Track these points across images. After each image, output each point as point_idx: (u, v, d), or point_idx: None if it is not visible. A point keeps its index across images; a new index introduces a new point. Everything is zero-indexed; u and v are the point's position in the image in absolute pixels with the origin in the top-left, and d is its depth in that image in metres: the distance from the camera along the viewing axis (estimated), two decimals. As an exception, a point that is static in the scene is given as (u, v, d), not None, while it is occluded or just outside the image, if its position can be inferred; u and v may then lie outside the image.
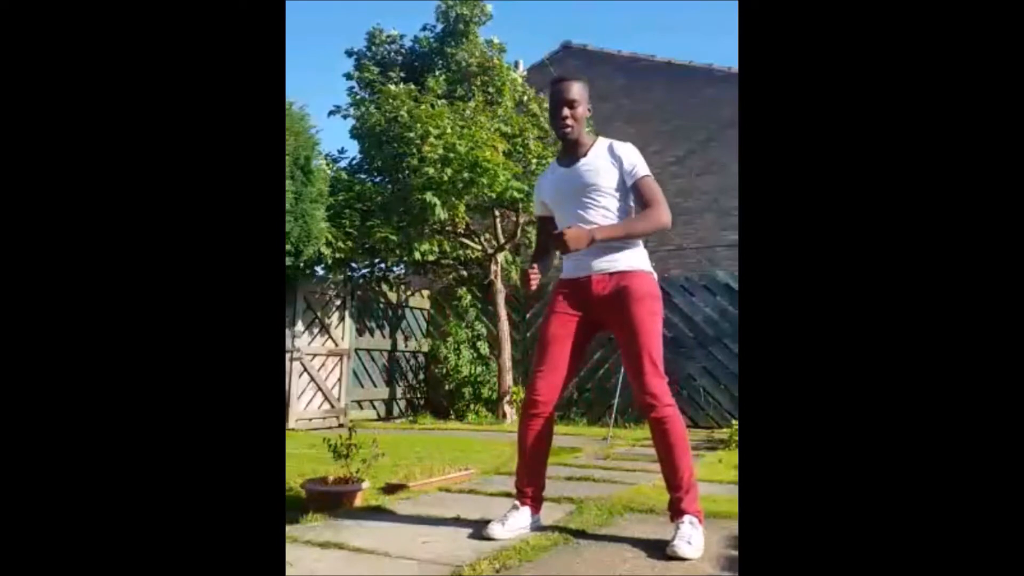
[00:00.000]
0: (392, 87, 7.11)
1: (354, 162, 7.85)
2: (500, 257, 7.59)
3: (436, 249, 7.34)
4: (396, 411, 8.17)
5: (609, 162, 2.33)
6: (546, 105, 7.66)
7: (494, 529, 2.20)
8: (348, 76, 8.19)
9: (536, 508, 2.35)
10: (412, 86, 7.13)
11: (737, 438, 4.72)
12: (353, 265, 7.44)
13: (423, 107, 6.72)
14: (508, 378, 7.31)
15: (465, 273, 8.26)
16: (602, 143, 2.40)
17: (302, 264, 6.20)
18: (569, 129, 2.35)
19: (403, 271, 8.22)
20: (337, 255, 6.67)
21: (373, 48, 8.42)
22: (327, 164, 7.09)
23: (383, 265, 7.83)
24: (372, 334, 7.97)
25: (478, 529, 2.28)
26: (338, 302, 7.29)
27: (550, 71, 8.51)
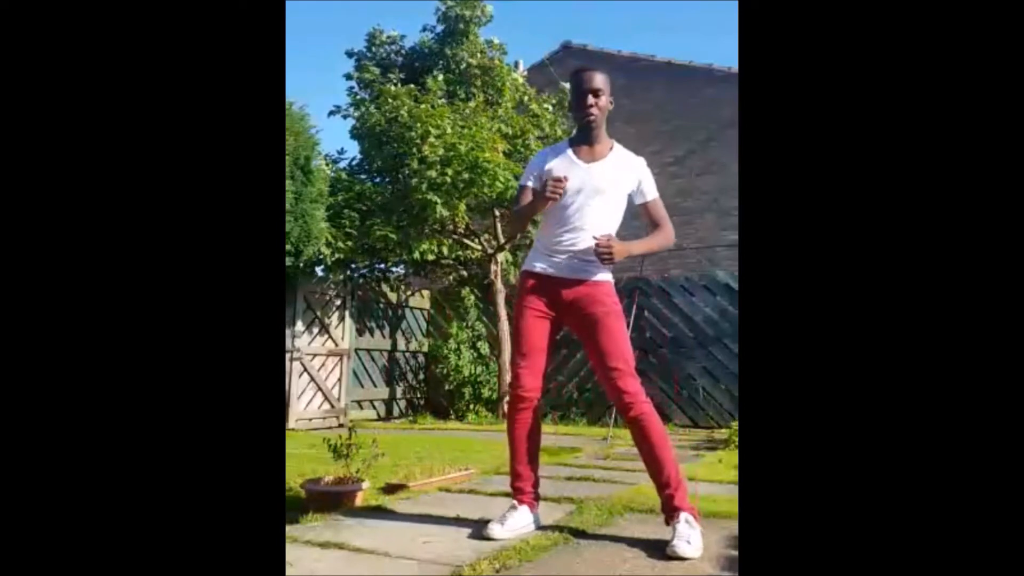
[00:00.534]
0: (392, 87, 7.11)
1: (354, 162, 7.85)
2: (500, 257, 7.58)
3: (436, 249, 7.34)
4: (396, 411, 8.17)
5: (628, 174, 2.37)
6: (546, 105, 7.71)
7: (493, 529, 2.20)
8: (348, 76, 8.20)
9: (534, 505, 2.36)
10: (412, 87, 7.13)
11: (737, 438, 4.72)
12: (353, 265, 7.43)
13: (423, 107, 6.72)
14: (508, 378, 7.30)
15: (465, 273, 8.26)
16: (621, 151, 2.41)
17: (302, 264, 6.20)
18: (594, 117, 2.34)
19: (403, 271, 8.22)
20: (337, 255, 6.67)
21: (373, 49, 8.43)
22: (327, 165, 7.09)
23: (383, 265, 7.83)
24: (372, 334, 7.96)
25: (478, 529, 2.28)
26: (338, 302, 7.29)
27: (550, 71, 8.52)
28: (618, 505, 2.68)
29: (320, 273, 7.05)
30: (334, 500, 2.64)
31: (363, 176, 7.61)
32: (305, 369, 6.70)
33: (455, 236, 7.51)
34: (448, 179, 6.39)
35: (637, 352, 7.74)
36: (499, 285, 7.49)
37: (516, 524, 2.25)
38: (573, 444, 5.27)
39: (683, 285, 7.88)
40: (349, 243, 6.75)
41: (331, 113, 7.88)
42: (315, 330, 6.95)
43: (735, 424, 5.08)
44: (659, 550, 2.04)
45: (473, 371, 7.69)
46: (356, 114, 7.48)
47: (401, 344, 8.33)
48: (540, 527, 2.32)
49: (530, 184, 2.42)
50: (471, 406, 7.62)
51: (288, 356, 6.48)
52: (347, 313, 7.37)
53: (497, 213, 7.50)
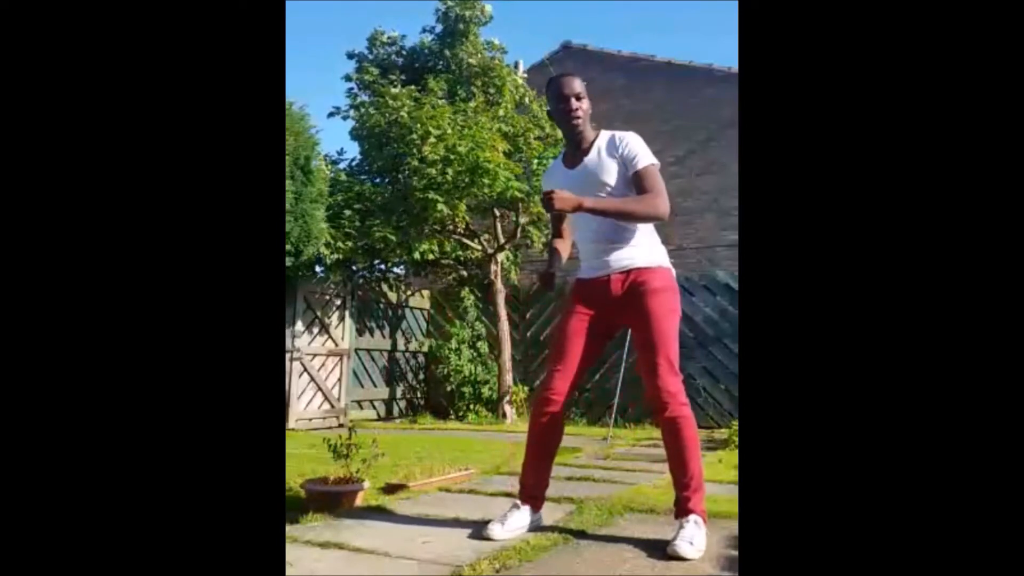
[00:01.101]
0: (392, 88, 7.12)
1: (354, 163, 7.85)
2: (500, 257, 7.59)
3: (436, 249, 7.34)
4: (396, 411, 8.17)
5: (611, 156, 2.29)
6: (547, 105, 7.68)
7: (494, 529, 2.20)
8: (348, 78, 8.20)
9: (537, 506, 2.35)
10: (412, 88, 7.13)
11: (737, 438, 4.72)
12: (354, 266, 7.43)
13: (424, 108, 6.72)
14: (508, 378, 7.31)
15: (465, 273, 8.26)
16: (604, 136, 2.36)
17: (302, 264, 6.20)
18: (579, 121, 2.32)
19: (403, 271, 8.22)
20: (337, 255, 6.67)
21: (374, 50, 8.43)
22: (327, 166, 7.09)
23: (383, 265, 7.83)
24: (372, 334, 7.96)
25: (478, 529, 2.28)
26: (338, 302, 7.29)
27: (550, 71, 8.51)
28: (618, 505, 2.68)
29: (320, 273, 7.05)
30: (334, 500, 2.64)
31: (363, 177, 7.61)
32: (305, 369, 6.70)
33: (455, 236, 7.51)
34: (448, 179, 6.39)
35: (637, 352, 7.77)
36: (499, 285, 7.49)
37: (517, 524, 2.25)
38: (573, 444, 5.26)
39: (683, 285, 7.86)
40: (349, 243, 6.75)
41: (331, 114, 7.88)
42: (315, 330, 6.95)
43: (735, 424, 5.08)
44: (659, 550, 2.03)
45: (473, 371, 7.69)
46: (356, 115, 7.48)
47: (401, 344, 8.32)
48: (540, 527, 2.32)
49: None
50: (471, 406, 7.62)
51: (288, 356, 6.48)
52: (347, 313, 7.37)
53: (497, 213, 7.50)
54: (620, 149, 2.29)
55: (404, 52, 8.54)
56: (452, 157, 6.43)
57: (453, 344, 7.76)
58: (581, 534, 2.26)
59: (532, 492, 2.34)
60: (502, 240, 7.56)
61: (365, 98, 7.82)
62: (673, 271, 2.33)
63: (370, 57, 8.43)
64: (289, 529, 2.29)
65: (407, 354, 8.42)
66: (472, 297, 8.02)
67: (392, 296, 8.17)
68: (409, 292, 8.42)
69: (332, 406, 6.99)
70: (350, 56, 8.47)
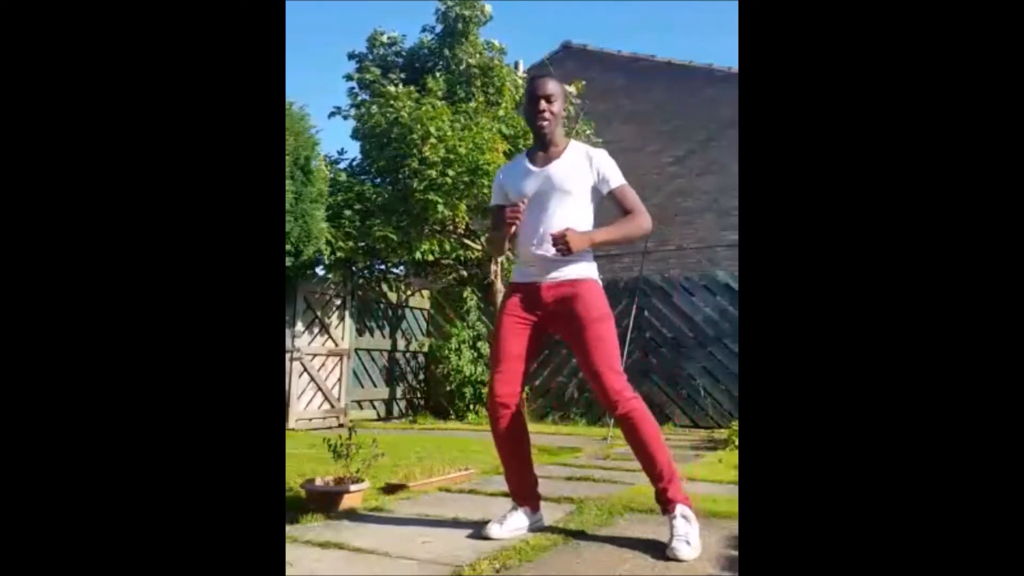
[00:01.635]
0: (392, 88, 7.11)
1: (354, 163, 7.85)
2: (500, 257, 7.59)
3: (436, 249, 7.34)
4: (396, 411, 8.17)
5: (584, 168, 2.35)
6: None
7: (492, 529, 2.21)
8: (348, 77, 8.20)
9: (535, 506, 2.36)
10: (412, 88, 7.13)
11: (737, 438, 4.72)
12: (355, 268, 7.43)
13: (424, 108, 6.72)
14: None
15: (465, 273, 8.26)
16: (577, 147, 2.40)
17: (302, 264, 6.20)
18: (546, 123, 2.35)
19: (403, 271, 8.22)
20: (337, 255, 6.67)
21: (373, 50, 8.43)
22: (326, 166, 7.09)
23: (383, 265, 7.83)
24: (372, 334, 7.96)
25: (478, 529, 2.28)
26: (338, 302, 7.29)
27: (550, 71, 8.52)
28: (618, 505, 2.68)
29: (320, 273, 7.05)
30: (334, 500, 2.64)
31: (363, 177, 7.61)
32: (305, 369, 6.70)
33: (455, 236, 7.51)
34: (449, 181, 6.39)
35: (637, 352, 7.77)
36: (499, 285, 7.48)
37: (515, 525, 2.26)
38: (573, 444, 5.26)
39: (683, 285, 7.87)
40: (349, 243, 6.75)
41: (331, 114, 7.88)
42: (315, 330, 6.95)
43: (735, 424, 5.08)
44: (659, 550, 2.04)
45: (473, 371, 7.69)
46: (356, 115, 7.48)
47: (401, 344, 8.32)
48: (540, 527, 2.32)
49: (496, 202, 2.47)
50: (471, 406, 7.62)
51: (288, 356, 6.48)
52: (347, 313, 7.37)
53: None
54: (595, 165, 2.35)
55: (403, 52, 8.54)
56: (452, 158, 6.43)
57: (453, 344, 7.76)
58: (581, 534, 2.26)
59: (522, 494, 2.35)
60: (502, 240, 7.54)
61: (366, 98, 7.82)
62: (600, 284, 2.36)
63: (370, 57, 8.42)
64: (289, 529, 2.29)
65: (407, 354, 8.41)
66: (472, 297, 8.02)
67: (392, 296, 8.16)
68: (409, 292, 8.41)
69: (332, 406, 6.99)
70: (350, 56, 8.47)
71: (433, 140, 6.52)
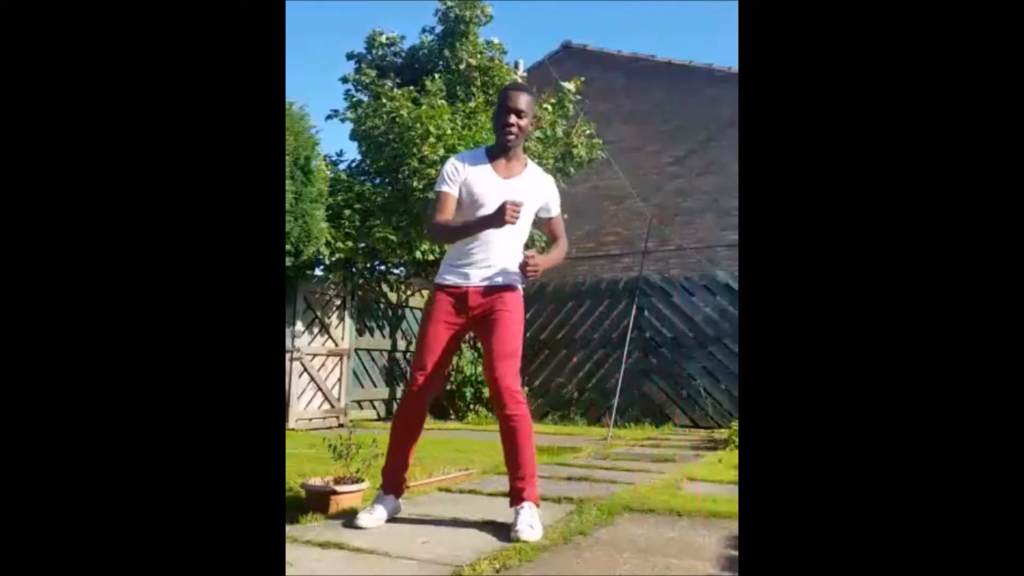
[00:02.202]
0: (392, 90, 7.11)
1: (354, 163, 7.85)
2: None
3: (436, 249, 7.32)
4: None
5: (540, 191, 2.51)
6: (546, 105, 7.70)
7: (363, 519, 2.35)
8: (344, 80, 8.18)
9: (400, 493, 2.55)
10: (411, 88, 7.13)
11: (737, 438, 4.72)
12: (355, 268, 7.43)
13: (423, 108, 6.72)
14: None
15: (465, 273, 8.23)
16: (535, 169, 2.55)
17: (302, 264, 6.20)
18: (514, 137, 2.44)
19: (403, 271, 8.22)
20: (337, 255, 6.67)
21: (373, 51, 8.42)
22: (326, 166, 7.09)
23: (383, 265, 7.83)
24: (372, 334, 7.96)
25: (478, 529, 2.28)
26: (338, 302, 7.29)
27: (550, 71, 8.51)
28: (618, 505, 2.68)
29: (320, 273, 7.05)
30: (334, 500, 2.64)
31: (363, 177, 7.61)
32: (305, 369, 6.70)
33: (455, 236, 7.48)
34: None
35: (637, 352, 7.77)
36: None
37: (381, 514, 2.41)
38: (573, 444, 5.27)
39: (683, 285, 7.87)
40: (349, 243, 6.74)
41: (329, 117, 7.87)
42: (315, 330, 6.95)
43: (735, 424, 5.09)
44: (659, 550, 2.03)
45: (473, 371, 7.69)
46: (354, 116, 7.48)
47: (401, 344, 8.32)
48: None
49: (451, 192, 2.46)
50: (471, 406, 7.63)
51: (288, 356, 6.48)
52: (347, 313, 7.37)
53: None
54: (546, 192, 2.54)
55: (403, 53, 8.53)
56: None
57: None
58: (581, 534, 2.26)
59: (397, 481, 2.53)
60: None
61: (364, 98, 7.81)
62: (522, 293, 2.51)
63: (369, 58, 8.42)
64: (289, 529, 2.29)
65: (407, 354, 8.41)
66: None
67: (392, 296, 8.16)
68: (409, 292, 8.41)
69: (332, 406, 6.99)
70: (349, 57, 8.47)
71: (432, 139, 6.52)
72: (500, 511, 2.38)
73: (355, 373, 7.59)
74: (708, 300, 7.71)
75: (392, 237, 6.70)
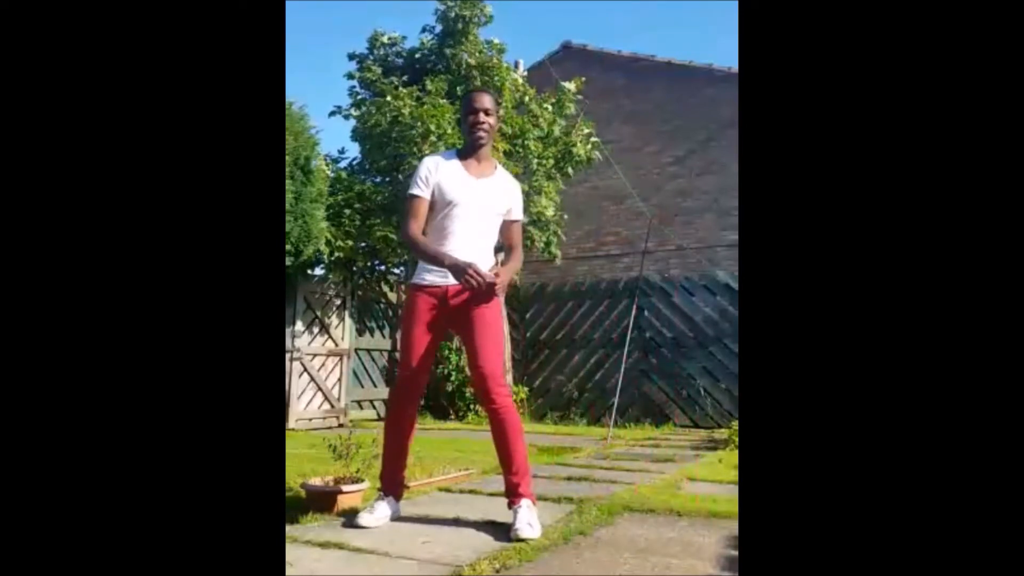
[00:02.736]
0: (394, 88, 7.11)
1: (355, 163, 7.85)
2: (500, 257, 7.58)
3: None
4: (396, 411, 8.15)
5: (508, 194, 2.56)
6: (546, 105, 7.71)
7: (363, 518, 2.35)
8: (349, 76, 8.19)
9: (399, 495, 2.57)
10: (413, 88, 7.13)
11: (737, 438, 4.72)
12: (355, 268, 7.43)
13: (425, 107, 6.72)
14: (508, 378, 7.31)
15: (465, 273, 8.22)
16: (504, 173, 2.60)
17: (302, 264, 6.20)
18: (484, 135, 2.50)
19: (403, 271, 8.21)
20: (337, 255, 6.67)
21: (374, 51, 8.42)
22: (326, 166, 7.08)
23: (383, 265, 7.83)
24: (372, 334, 7.96)
25: (478, 529, 2.28)
26: (338, 302, 7.29)
27: (550, 71, 8.50)
28: (618, 505, 2.68)
29: (320, 273, 7.05)
30: (334, 500, 2.64)
31: (363, 176, 7.61)
32: (305, 369, 6.70)
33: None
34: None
35: (637, 352, 7.77)
36: (499, 285, 7.47)
37: (383, 513, 2.41)
38: (573, 444, 5.27)
39: (683, 285, 7.87)
40: (349, 243, 6.74)
41: (332, 114, 7.86)
42: (315, 330, 6.95)
43: (735, 424, 5.09)
44: (659, 550, 2.04)
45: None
46: (356, 114, 7.48)
47: (401, 344, 8.31)
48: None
49: (423, 196, 2.49)
50: (471, 406, 7.62)
51: (288, 356, 6.48)
52: (347, 313, 7.37)
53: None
54: (513, 196, 2.59)
55: (404, 53, 8.53)
56: (452, 158, 6.42)
57: (453, 344, 7.76)
58: (581, 534, 2.26)
59: (395, 481, 2.53)
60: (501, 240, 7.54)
61: (367, 97, 7.81)
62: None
63: (371, 58, 8.42)
64: (289, 529, 2.29)
65: (407, 354, 8.40)
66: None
67: (392, 296, 8.16)
68: (409, 292, 8.39)
69: (332, 406, 6.99)
70: (351, 57, 8.46)
71: (433, 138, 6.51)
72: (500, 511, 2.38)
73: (355, 373, 7.59)
74: (708, 300, 7.71)
75: (392, 236, 6.70)
